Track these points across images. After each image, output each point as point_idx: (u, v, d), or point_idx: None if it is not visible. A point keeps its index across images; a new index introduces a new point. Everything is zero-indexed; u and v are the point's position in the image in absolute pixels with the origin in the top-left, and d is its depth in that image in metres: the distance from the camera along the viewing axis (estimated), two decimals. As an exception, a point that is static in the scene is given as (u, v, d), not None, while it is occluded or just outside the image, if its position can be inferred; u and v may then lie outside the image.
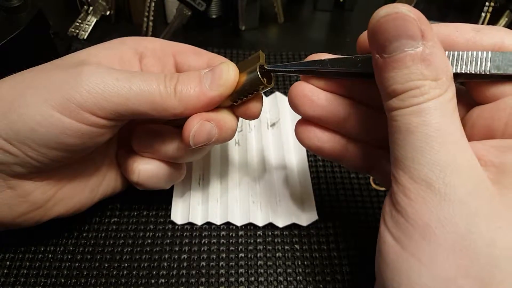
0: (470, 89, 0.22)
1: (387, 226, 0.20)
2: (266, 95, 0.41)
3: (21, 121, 0.23)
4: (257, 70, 0.25)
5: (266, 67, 0.26)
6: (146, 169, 0.29)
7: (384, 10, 0.20)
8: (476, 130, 0.21)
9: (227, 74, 0.25)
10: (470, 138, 0.19)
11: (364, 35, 0.23)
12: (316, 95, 0.24)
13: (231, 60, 0.45)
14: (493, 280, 0.17)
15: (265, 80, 0.25)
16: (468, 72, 0.21)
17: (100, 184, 0.30)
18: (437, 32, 0.21)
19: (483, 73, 0.20)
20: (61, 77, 0.24)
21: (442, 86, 0.18)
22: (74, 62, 0.25)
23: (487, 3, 0.50)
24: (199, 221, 0.32)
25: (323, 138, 0.25)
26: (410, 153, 0.18)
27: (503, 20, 0.49)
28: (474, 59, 0.20)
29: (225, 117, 0.27)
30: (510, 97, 0.20)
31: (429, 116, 0.18)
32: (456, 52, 0.21)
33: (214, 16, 0.49)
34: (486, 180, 0.18)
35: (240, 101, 0.26)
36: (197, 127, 0.25)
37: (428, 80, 0.18)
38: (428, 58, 0.18)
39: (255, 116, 0.27)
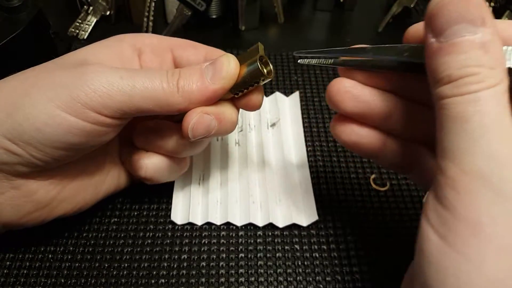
0: None
1: (430, 223, 0.18)
2: (266, 95, 0.41)
3: (26, 121, 0.23)
4: (257, 61, 0.25)
5: (265, 58, 0.26)
6: (152, 164, 0.29)
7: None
8: None
9: (228, 66, 0.25)
10: None
11: (414, 27, 0.22)
12: (359, 90, 0.24)
13: (231, 60, 0.45)
14: None
15: (265, 71, 0.25)
16: None
17: (103, 182, 0.30)
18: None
19: None
20: (65, 76, 0.24)
21: (497, 76, 0.17)
22: (77, 62, 0.26)
23: (487, 3, 0.50)
24: (199, 221, 0.32)
25: (361, 134, 0.24)
26: (463, 143, 0.17)
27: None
28: None
29: (225, 110, 0.27)
30: None
31: (486, 105, 0.17)
32: (510, 47, 0.19)
33: (214, 16, 0.49)
34: None
35: (241, 93, 0.26)
36: (196, 120, 0.25)
37: (484, 68, 0.17)
38: (487, 46, 0.17)
39: (256, 107, 0.27)
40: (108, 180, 0.30)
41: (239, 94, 0.26)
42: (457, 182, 0.17)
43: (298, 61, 0.26)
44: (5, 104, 0.23)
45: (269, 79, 0.26)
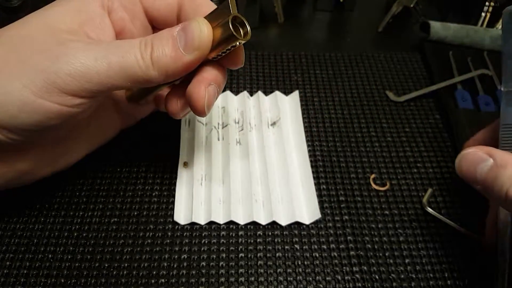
0: None
1: None
2: (266, 94, 0.41)
3: (0, 108, 0.22)
4: (230, 25, 0.23)
5: (240, 18, 0.24)
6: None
7: (457, 160, 0.25)
8: None
9: (199, 35, 0.24)
10: None
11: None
12: None
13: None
14: None
15: (242, 32, 0.24)
16: None
17: (89, 136, 0.30)
18: None
19: None
20: (38, 59, 0.23)
21: None
22: (46, 35, 0.24)
23: (487, 3, 0.50)
24: (202, 221, 0.32)
25: None
26: None
27: (503, 20, 0.49)
28: None
29: (218, 74, 0.27)
30: None
31: None
32: None
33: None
34: None
35: (220, 56, 0.26)
36: (207, 97, 0.26)
37: None
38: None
39: (239, 65, 0.27)
40: (94, 132, 0.30)
41: (218, 57, 0.25)
42: None
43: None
44: None
45: (246, 40, 0.24)
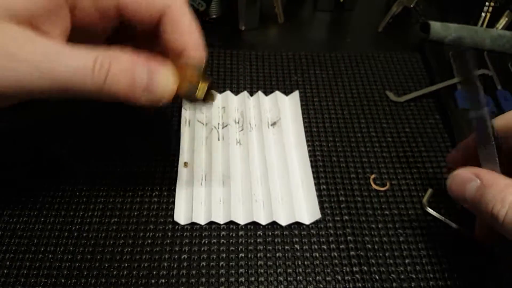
0: None
1: None
2: (266, 94, 0.41)
3: None
4: (196, 89, 0.23)
5: (208, 82, 0.24)
6: None
7: (448, 181, 0.26)
8: None
9: (163, 89, 0.22)
10: None
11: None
12: None
13: (231, 60, 0.45)
14: None
15: (208, 98, 0.24)
16: None
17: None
18: None
19: None
20: None
21: None
22: None
23: (487, 3, 0.50)
24: (202, 221, 0.32)
25: None
26: None
27: (503, 20, 0.49)
28: None
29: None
30: None
31: None
32: None
33: (214, 16, 0.49)
34: None
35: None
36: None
37: None
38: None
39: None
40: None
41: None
42: None
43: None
44: None
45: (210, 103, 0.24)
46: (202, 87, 0.24)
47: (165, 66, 0.23)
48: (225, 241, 0.31)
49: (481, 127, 0.25)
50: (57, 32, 0.23)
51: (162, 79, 0.22)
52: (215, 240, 0.31)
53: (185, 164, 0.35)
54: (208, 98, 0.24)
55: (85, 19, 0.24)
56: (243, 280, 0.29)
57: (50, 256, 0.30)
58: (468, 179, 0.24)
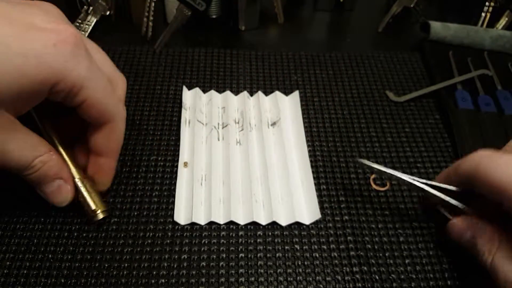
0: None
1: None
2: (266, 94, 0.41)
3: None
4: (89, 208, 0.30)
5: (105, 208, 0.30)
6: None
7: (447, 228, 0.30)
8: None
9: (61, 201, 0.29)
10: None
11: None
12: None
13: (231, 60, 0.45)
14: None
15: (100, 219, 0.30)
16: None
17: None
18: None
19: None
20: None
21: None
22: None
23: (487, 3, 0.50)
24: (202, 221, 0.32)
25: None
26: None
27: (503, 20, 0.49)
28: None
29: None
30: None
31: None
32: None
33: (214, 16, 0.49)
34: None
35: None
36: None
37: None
38: None
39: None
40: None
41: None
42: None
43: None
44: None
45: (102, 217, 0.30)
46: (98, 212, 0.30)
47: (69, 185, 0.29)
48: (225, 241, 0.31)
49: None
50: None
51: (64, 192, 0.29)
52: (215, 240, 0.31)
53: (185, 164, 0.35)
54: (100, 219, 0.30)
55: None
56: (243, 280, 0.29)
57: (50, 256, 0.30)
58: (463, 230, 0.29)
